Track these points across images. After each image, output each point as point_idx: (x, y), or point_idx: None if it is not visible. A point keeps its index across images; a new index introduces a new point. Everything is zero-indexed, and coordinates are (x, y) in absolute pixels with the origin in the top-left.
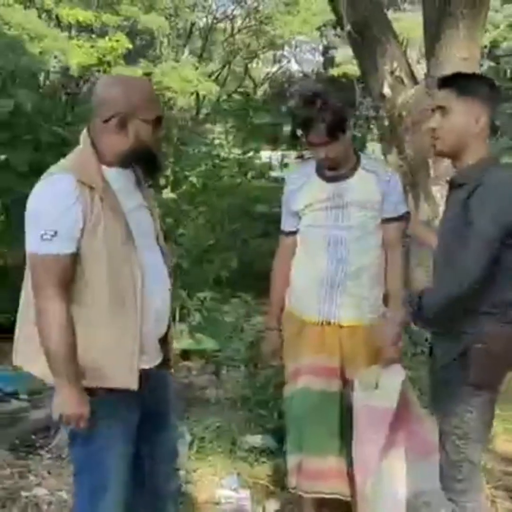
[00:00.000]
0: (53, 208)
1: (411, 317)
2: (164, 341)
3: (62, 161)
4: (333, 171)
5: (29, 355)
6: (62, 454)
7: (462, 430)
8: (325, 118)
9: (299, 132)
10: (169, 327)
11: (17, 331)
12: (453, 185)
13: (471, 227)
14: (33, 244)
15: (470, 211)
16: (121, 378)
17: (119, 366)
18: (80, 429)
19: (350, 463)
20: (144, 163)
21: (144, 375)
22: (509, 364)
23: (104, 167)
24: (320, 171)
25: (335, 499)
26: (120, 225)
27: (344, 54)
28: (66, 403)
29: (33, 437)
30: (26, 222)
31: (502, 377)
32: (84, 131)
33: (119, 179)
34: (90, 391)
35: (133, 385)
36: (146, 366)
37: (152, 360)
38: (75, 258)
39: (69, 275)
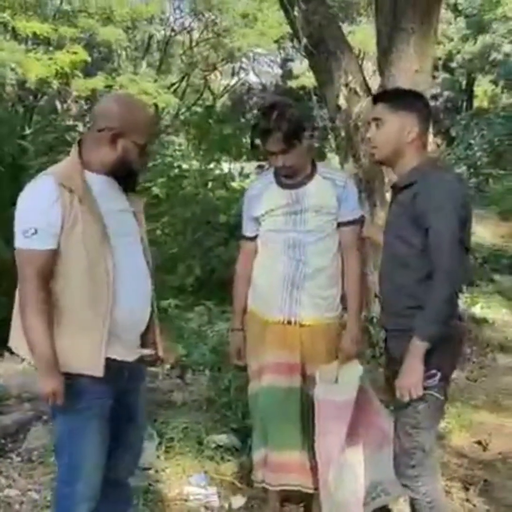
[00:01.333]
0: (35, 207)
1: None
2: (145, 338)
3: (49, 168)
4: (290, 178)
5: (18, 340)
6: (31, 457)
7: (415, 420)
8: (281, 127)
9: (257, 141)
10: (151, 323)
11: (13, 317)
12: (396, 189)
13: (432, 230)
14: (17, 240)
15: (417, 210)
16: (86, 365)
17: (86, 354)
18: (57, 406)
19: (312, 456)
20: (124, 176)
21: (118, 366)
22: (459, 356)
23: (88, 172)
24: (278, 179)
25: (298, 493)
26: (98, 226)
27: (302, 66)
28: (43, 382)
29: (3, 441)
30: (15, 221)
31: (452, 367)
32: (75, 143)
33: (102, 184)
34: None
35: (98, 372)
36: (120, 358)
37: (129, 354)
38: (55, 254)
39: (49, 269)
